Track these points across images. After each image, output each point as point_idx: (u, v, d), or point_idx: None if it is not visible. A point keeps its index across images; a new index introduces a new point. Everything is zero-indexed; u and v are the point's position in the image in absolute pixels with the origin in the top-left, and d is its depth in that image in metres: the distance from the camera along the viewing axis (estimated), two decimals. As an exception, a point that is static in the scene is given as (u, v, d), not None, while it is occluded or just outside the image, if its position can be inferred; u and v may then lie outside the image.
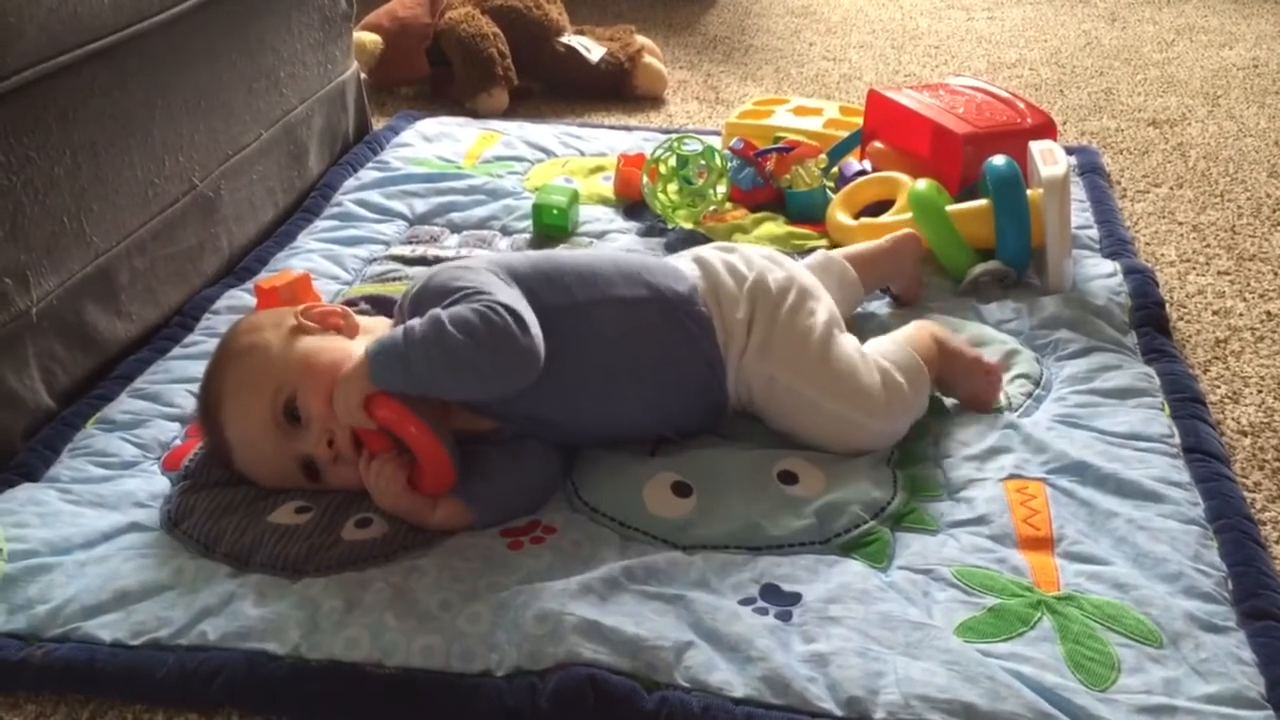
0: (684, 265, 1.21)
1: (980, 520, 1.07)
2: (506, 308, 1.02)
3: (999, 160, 1.48)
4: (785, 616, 0.96)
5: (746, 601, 0.97)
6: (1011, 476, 1.12)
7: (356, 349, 1.06)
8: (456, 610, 0.95)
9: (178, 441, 1.19)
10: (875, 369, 1.16)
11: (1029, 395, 1.26)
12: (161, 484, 1.13)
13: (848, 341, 1.19)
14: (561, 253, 1.35)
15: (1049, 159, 1.47)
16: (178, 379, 1.28)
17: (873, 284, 1.42)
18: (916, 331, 1.25)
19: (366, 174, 1.83)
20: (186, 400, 1.24)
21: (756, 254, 1.25)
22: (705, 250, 1.25)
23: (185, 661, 0.91)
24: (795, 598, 0.98)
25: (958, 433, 1.20)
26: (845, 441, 1.15)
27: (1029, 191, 1.46)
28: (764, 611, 0.96)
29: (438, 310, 1.02)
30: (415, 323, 1.01)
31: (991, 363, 1.24)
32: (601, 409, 1.13)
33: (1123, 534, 1.04)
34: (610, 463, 1.14)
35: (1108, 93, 2.33)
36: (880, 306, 1.45)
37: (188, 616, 0.95)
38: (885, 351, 1.19)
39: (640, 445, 1.17)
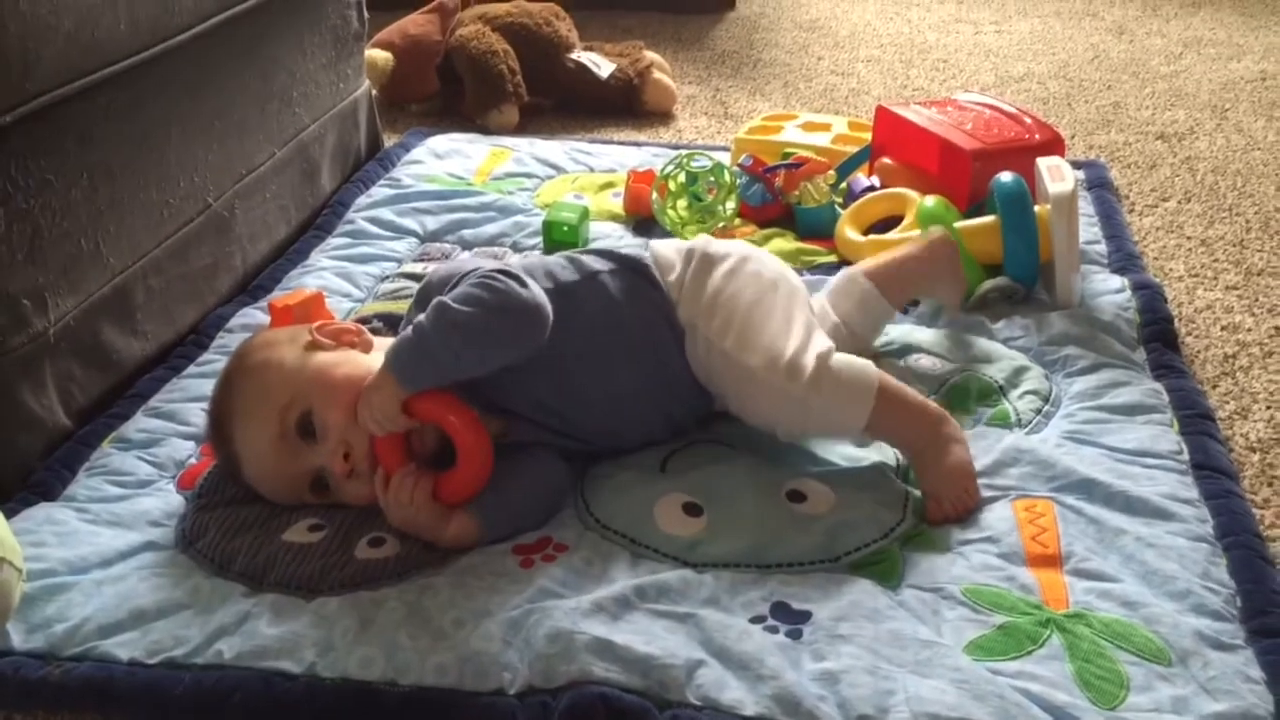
0: (640, 250, 1.25)
1: (989, 539, 1.07)
2: (502, 272, 1.05)
3: (1006, 177, 1.48)
4: (795, 634, 0.96)
5: (757, 620, 0.98)
6: (1020, 495, 1.12)
7: (372, 363, 1.07)
8: (469, 629, 0.96)
9: (192, 460, 1.20)
10: (804, 334, 1.13)
11: (1038, 411, 1.27)
12: (176, 503, 1.14)
13: (783, 311, 1.16)
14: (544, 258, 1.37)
15: (1056, 175, 1.47)
16: (193, 398, 1.29)
17: (906, 295, 1.39)
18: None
19: (378, 191, 1.83)
20: (201, 419, 1.25)
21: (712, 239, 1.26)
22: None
23: (201, 680, 0.92)
24: (805, 616, 0.98)
25: (966, 449, 1.21)
26: (778, 412, 1.12)
27: (1036, 207, 1.46)
28: (774, 630, 0.97)
29: (441, 297, 1.04)
30: (422, 317, 1.03)
31: (976, 491, 1.12)
32: (599, 386, 1.13)
33: (1131, 551, 1.04)
34: (621, 479, 1.15)
35: (1116, 106, 2.33)
36: (918, 329, 1.42)
37: (203, 635, 0.96)
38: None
39: (650, 456, 1.18)
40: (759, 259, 1.22)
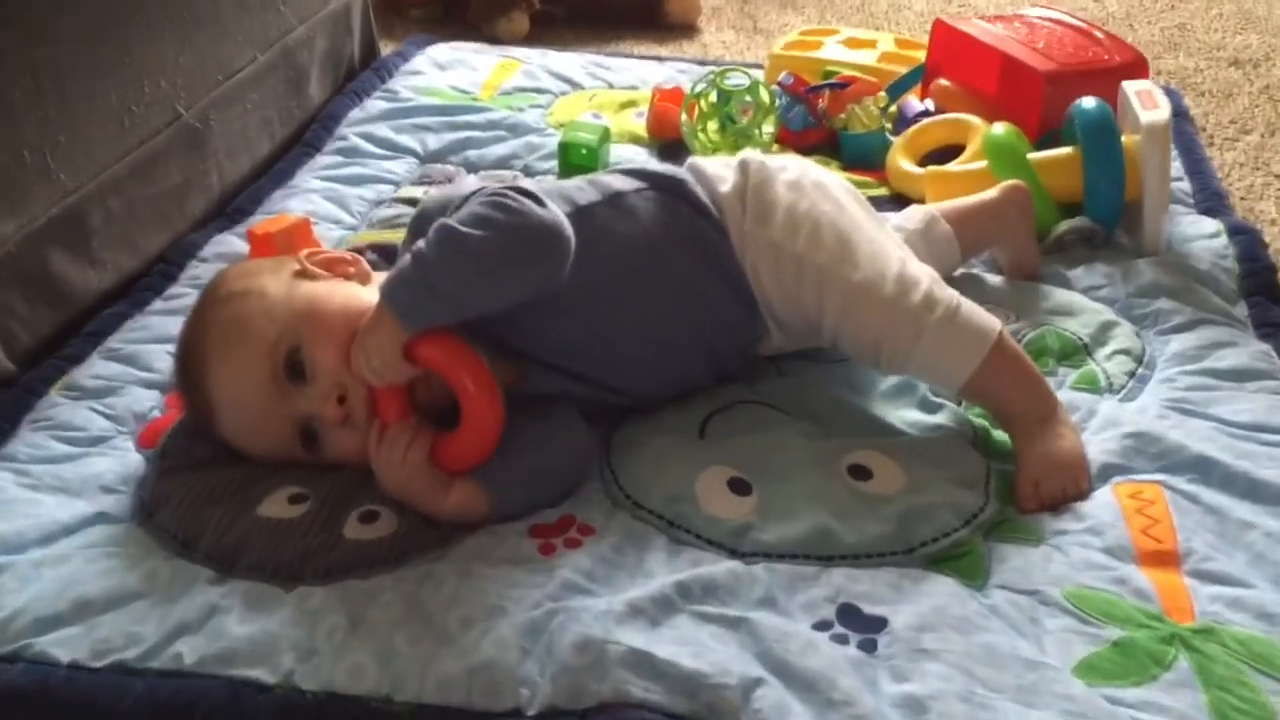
0: (674, 167, 1.10)
1: (1090, 530, 0.91)
2: (514, 189, 0.91)
3: (1089, 103, 1.32)
4: (869, 646, 0.81)
5: (821, 626, 0.83)
6: (1122, 476, 0.97)
7: (371, 297, 0.93)
8: (479, 631, 0.80)
9: (156, 413, 1.05)
10: (903, 250, 1.04)
11: (1131, 375, 1.11)
12: (135, 464, 0.98)
13: (866, 216, 1.06)
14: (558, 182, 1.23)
15: (1147, 102, 1.30)
16: (157, 338, 1.14)
17: (974, 245, 1.25)
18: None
19: (373, 104, 1.69)
20: (167, 363, 1.09)
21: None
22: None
23: (156, 689, 0.77)
24: (879, 623, 0.83)
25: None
26: (888, 329, 0.98)
27: (1123, 138, 1.29)
28: (843, 640, 0.82)
29: (443, 219, 0.89)
30: (422, 243, 0.89)
31: (1085, 483, 0.97)
32: (628, 322, 0.99)
33: (1261, 549, 0.89)
34: (655, 446, 0.99)
35: (1181, 28, 2.15)
36: (985, 275, 1.27)
37: (161, 634, 0.81)
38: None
39: (686, 417, 1.02)
40: (817, 169, 1.10)
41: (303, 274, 0.97)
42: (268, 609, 0.83)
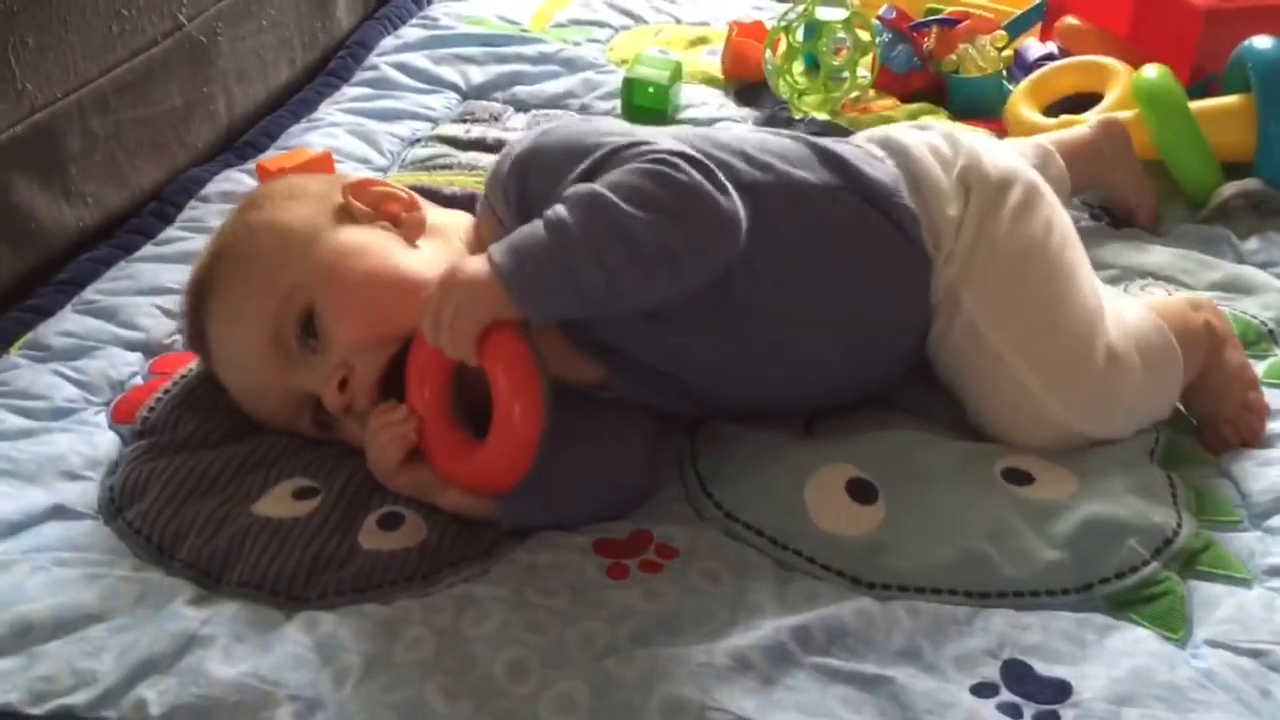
0: (872, 149, 0.86)
1: (1318, 569, 0.73)
2: (681, 156, 0.73)
3: (1264, 42, 1.14)
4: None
5: (984, 690, 0.65)
6: (1341, 495, 0.78)
7: (409, 260, 0.78)
8: (534, 683, 0.64)
9: (137, 380, 0.89)
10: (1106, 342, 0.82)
11: (1331, 373, 0.92)
12: (107, 444, 0.82)
13: (1086, 282, 0.83)
14: (703, 129, 1.02)
15: (1336, 43, 1.10)
16: (145, 289, 0.98)
17: (1075, 186, 1.08)
18: (1173, 301, 0.90)
19: (409, 31, 1.54)
20: (154, 320, 0.94)
21: (961, 131, 0.91)
22: (893, 129, 0.90)
23: (109, 750, 0.60)
24: (1061, 688, 0.65)
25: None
26: (1026, 430, 0.81)
27: (1305, 86, 1.11)
28: (1014, 712, 0.64)
29: (589, 186, 0.72)
30: (559, 211, 0.71)
31: (1262, 399, 0.86)
32: (766, 339, 0.80)
33: None
34: (752, 444, 0.80)
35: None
36: (1142, 247, 1.07)
37: (121, 672, 0.65)
38: (1123, 315, 0.83)
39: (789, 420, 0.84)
40: (1042, 184, 0.87)
41: (343, 213, 0.79)
42: (262, 641, 0.67)
